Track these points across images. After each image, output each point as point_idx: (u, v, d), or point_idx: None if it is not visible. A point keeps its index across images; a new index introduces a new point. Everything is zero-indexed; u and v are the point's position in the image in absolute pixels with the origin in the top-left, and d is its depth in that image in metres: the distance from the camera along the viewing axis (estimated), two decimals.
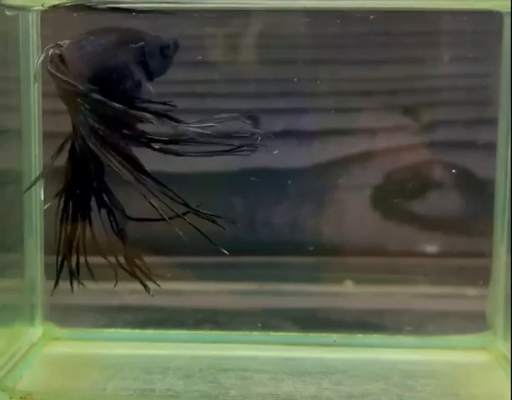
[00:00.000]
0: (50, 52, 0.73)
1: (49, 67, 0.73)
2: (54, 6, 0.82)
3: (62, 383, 0.83)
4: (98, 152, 0.72)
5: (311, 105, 0.94)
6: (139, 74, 0.78)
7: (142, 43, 0.78)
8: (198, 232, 0.95)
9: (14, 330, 0.91)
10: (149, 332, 0.94)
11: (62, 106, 0.74)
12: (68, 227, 0.76)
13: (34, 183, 0.82)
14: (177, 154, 0.73)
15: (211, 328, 0.94)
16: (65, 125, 0.75)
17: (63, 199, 0.75)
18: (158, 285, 0.77)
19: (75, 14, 0.82)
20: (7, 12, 0.86)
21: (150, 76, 0.80)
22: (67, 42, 0.75)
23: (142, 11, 0.82)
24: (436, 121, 0.95)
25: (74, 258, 0.76)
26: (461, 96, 0.94)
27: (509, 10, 0.82)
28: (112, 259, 0.76)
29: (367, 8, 0.85)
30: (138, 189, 0.73)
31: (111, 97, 0.74)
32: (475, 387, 0.84)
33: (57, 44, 0.74)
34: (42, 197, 0.87)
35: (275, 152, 0.80)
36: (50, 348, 0.92)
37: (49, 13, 0.86)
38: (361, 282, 0.96)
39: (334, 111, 0.94)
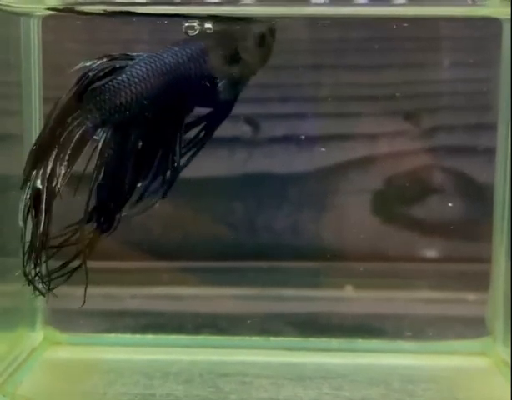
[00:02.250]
0: None
1: None
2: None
3: (63, 388, 0.83)
4: None
5: (312, 110, 0.94)
6: (233, 75, 0.78)
7: (230, 44, 0.78)
8: (198, 237, 0.96)
9: (15, 334, 0.91)
10: (150, 336, 0.94)
11: None
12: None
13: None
14: None
15: (211, 333, 0.94)
16: None
17: None
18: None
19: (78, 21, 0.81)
20: None
21: (251, 70, 0.79)
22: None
23: (141, 14, 0.82)
24: (436, 126, 0.95)
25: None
26: (461, 101, 0.94)
27: (509, 17, 0.82)
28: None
29: (368, 16, 0.85)
30: None
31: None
32: (475, 392, 0.84)
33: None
34: None
35: None
36: (51, 353, 0.92)
37: (51, 18, 0.86)
38: (361, 286, 0.96)
39: (335, 116, 0.94)
